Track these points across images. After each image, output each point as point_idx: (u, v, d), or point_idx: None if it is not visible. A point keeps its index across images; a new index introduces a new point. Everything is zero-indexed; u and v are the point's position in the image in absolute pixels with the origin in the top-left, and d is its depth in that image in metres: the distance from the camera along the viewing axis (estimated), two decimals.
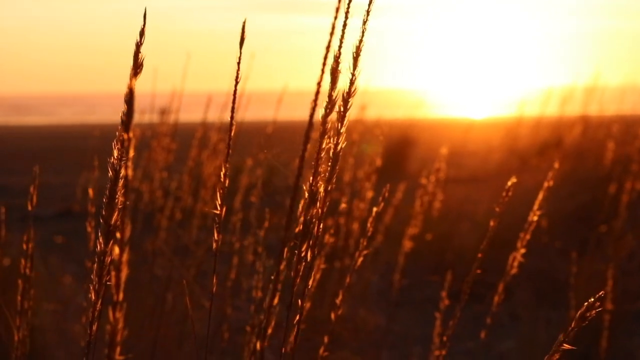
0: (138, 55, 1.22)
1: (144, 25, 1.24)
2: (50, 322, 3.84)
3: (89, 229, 2.26)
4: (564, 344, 1.18)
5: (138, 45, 1.23)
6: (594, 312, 1.16)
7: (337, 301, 1.60)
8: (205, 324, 3.15)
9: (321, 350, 1.66)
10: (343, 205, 3.79)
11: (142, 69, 1.21)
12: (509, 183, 1.70)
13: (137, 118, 3.80)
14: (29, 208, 1.71)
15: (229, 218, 3.56)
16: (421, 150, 12.12)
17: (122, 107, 1.16)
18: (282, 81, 3.86)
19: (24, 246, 1.83)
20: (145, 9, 1.26)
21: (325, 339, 1.64)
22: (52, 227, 8.45)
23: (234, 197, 3.54)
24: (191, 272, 3.53)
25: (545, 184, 1.82)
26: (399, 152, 11.84)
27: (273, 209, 2.34)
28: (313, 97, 1.32)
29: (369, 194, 3.78)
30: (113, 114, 27.84)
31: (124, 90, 1.20)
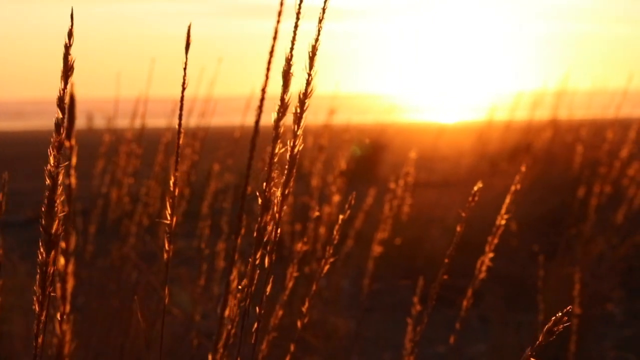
0: (68, 58, 1.17)
1: (72, 26, 1.19)
2: (18, 329, 3.80)
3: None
4: (532, 358, 1.17)
5: (67, 47, 1.18)
6: (561, 326, 1.14)
7: (304, 309, 1.58)
8: (173, 331, 3.13)
9: (287, 358, 1.64)
10: (316, 214, 3.78)
11: (72, 72, 1.17)
12: (475, 188, 1.69)
13: (103, 124, 3.78)
14: None
15: (197, 223, 3.54)
16: (392, 154, 12.13)
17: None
18: (256, 86, 3.84)
19: None
20: (72, 10, 1.22)
21: (292, 347, 1.63)
22: (22, 234, 8.39)
23: (203, 202, 3.52)
24: (159, 278, 3.51)
25: (513, 188, 1.81)
26: (370, 157, 11.85)
27: (242, 214, 2.32)
28: (258, 102, 1.30)
29: (336, 198, 3.77)
30: (86, 119, 27.74)
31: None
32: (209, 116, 3.66)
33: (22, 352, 3.75)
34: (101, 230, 3.85)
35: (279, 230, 1.28)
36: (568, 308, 1.17)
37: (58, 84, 1.18)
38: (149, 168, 3.94)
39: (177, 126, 1.31)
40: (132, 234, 3.69)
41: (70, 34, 1.18)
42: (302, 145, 1.27)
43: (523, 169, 1.76)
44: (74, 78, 1.21)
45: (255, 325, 1.20)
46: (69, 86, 1.16)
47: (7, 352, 3.74)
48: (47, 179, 1.14)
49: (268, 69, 1.28)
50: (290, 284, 1.74)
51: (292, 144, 1.28)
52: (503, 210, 1.78)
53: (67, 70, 1.17)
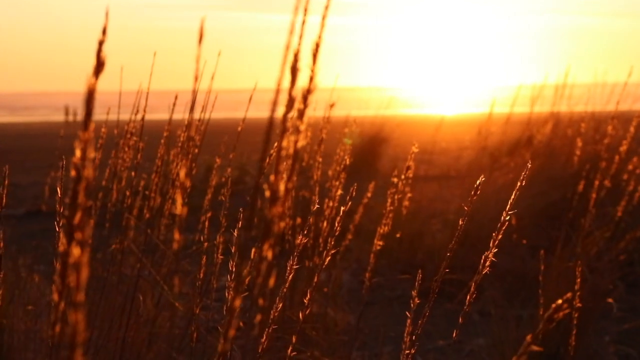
0: (100, 54, 1.18)
1: (107, 22, 1.20)
2: (19, 322, 3.80)
3: (57, 229, 2.24)
4: (532, 345, 1.17)
5: (100, 43, 1.19)
6: (561, 314, 1.15)
7: (305, 300, 1.58)
8: (175, 324, 3.14)
9: (289, 350, 1.65)
10: (317, 206, 3.78)
11: (104, 68, 1.18)
12: (478, 182, 1.69)
13: (104, 116, 3.78)
14: None
15: (198, 217, 3.54)
16: (393, 148, 12.14)
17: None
18: (259, 80, 3.84)
19: None
20: (108, 7, 1.23)
21: (293, 339, 1.63)
22: (21, 227, 8.40)
23: (204, 195, 3.52)
24: (160, 272, 3.51)
25: (518, 184, 1.81)
26: (371, 151, 11.85)
27: (244, 208, 2.33)
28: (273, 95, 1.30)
29: (339, 192, 3.77)
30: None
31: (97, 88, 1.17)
32: (209, 109, 3.66)
33: (23, 345, 3.75)
34: (100, 223, 3.85)
35: (282, 224, 1.29)
36: (567, 295, 1.17)
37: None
38: (150, 162, 3.95)
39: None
40: (132, 227, 3.69)
41: (104, 31, 1.19)
42: (306, 141, 1.28)
43: (529, 165, 1.75)
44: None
45: (259, 317, 1.21)
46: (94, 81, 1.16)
47: (7, 345, 3.74)
48: (72, 171, 1.14)
49: (284, 62, 1.28)
50: (291, 277, 1.74)
51: (295, 139, 1.29)
52: (508, 207, 1.78)
53: (99, 65, 1.17)
